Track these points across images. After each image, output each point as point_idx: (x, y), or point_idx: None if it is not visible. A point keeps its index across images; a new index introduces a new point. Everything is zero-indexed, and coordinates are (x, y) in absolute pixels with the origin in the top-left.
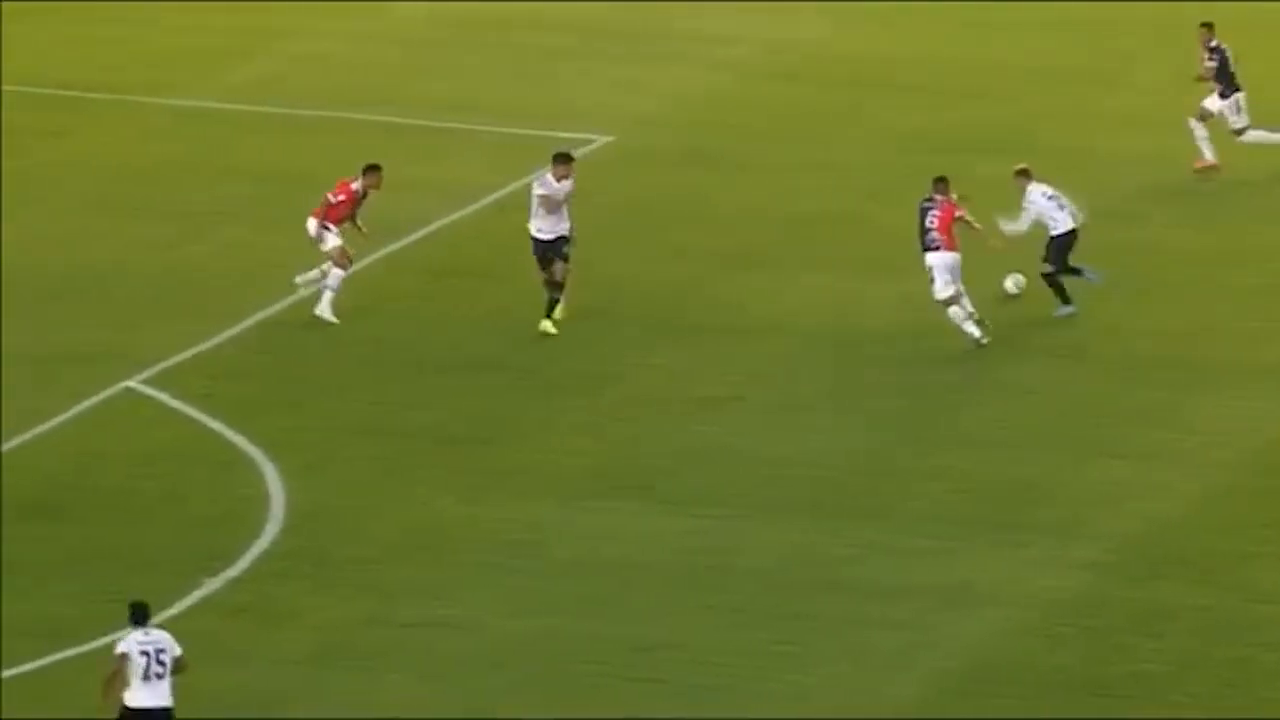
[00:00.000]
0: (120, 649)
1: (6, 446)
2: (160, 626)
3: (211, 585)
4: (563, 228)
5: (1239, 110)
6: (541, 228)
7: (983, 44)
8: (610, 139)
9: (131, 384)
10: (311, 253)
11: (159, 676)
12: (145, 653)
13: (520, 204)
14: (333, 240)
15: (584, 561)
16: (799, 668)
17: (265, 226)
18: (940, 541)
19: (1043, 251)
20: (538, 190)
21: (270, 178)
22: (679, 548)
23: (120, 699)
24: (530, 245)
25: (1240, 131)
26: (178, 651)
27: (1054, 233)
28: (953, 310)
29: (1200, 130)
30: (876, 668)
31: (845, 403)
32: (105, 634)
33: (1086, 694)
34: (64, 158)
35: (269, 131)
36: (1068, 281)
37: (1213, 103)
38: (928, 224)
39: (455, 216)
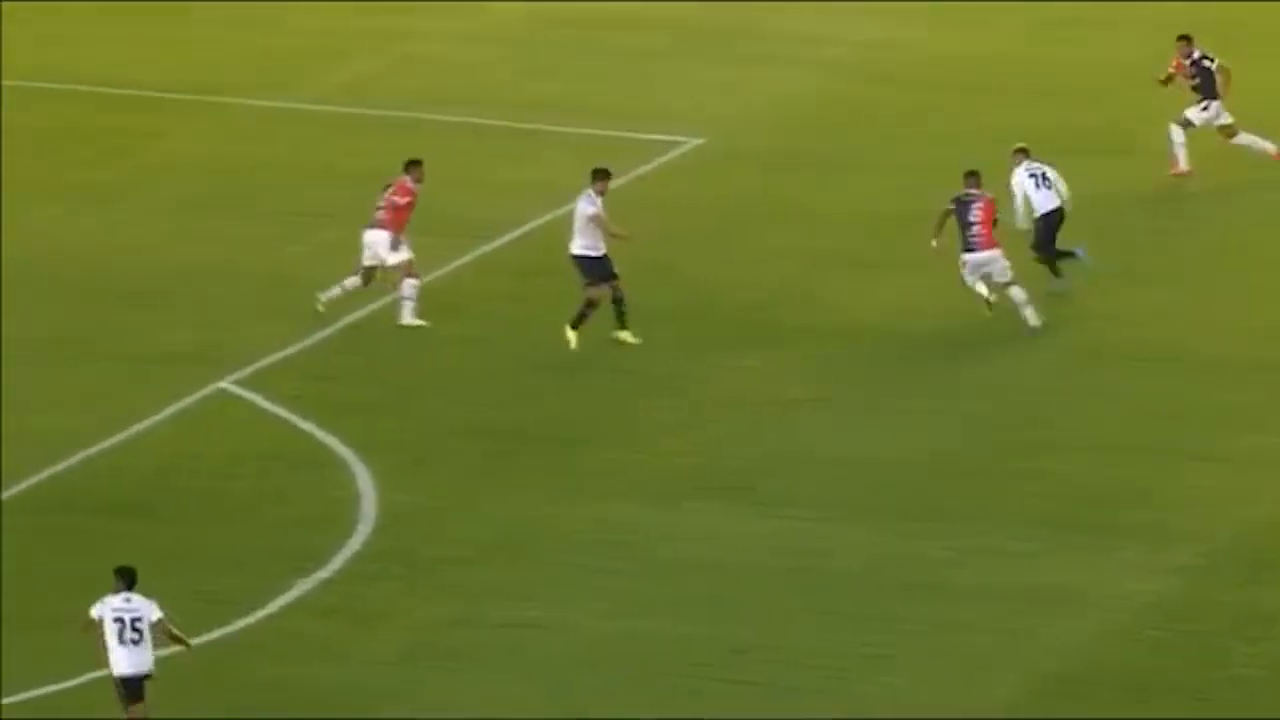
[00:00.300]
0: (92, 613)
1: (102, 446)
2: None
3: (304, 586)
4: (604, 244)
5: (1218, 114)
6: (591, 245)
7: (1080, 45)
8: (703, 140)
9: (225, 385)
10: (345, 267)
11: (134, 642)
12: (119, 619)
13: (610, 206)
14: (405, 252)
15: (675, 562)
16: (891, 669)
17: (361, 228)
18: (1032, 544)
19: (1031, 237)
20: (589, 210)
21: (366, 179)
22: (771, 549)
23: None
24: (586, 266)
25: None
26: (155, 617)
27: (1038, 213)
28: (972, 280)
29: (1179, 136)
30: (969, 670)
31: (937, 404)
32: (198, 634)
33: (1183, 698)
34: (162, 159)
35: (365, 133)
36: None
37: (1195, 114)
38: (971, 218)
39: (548, 218)
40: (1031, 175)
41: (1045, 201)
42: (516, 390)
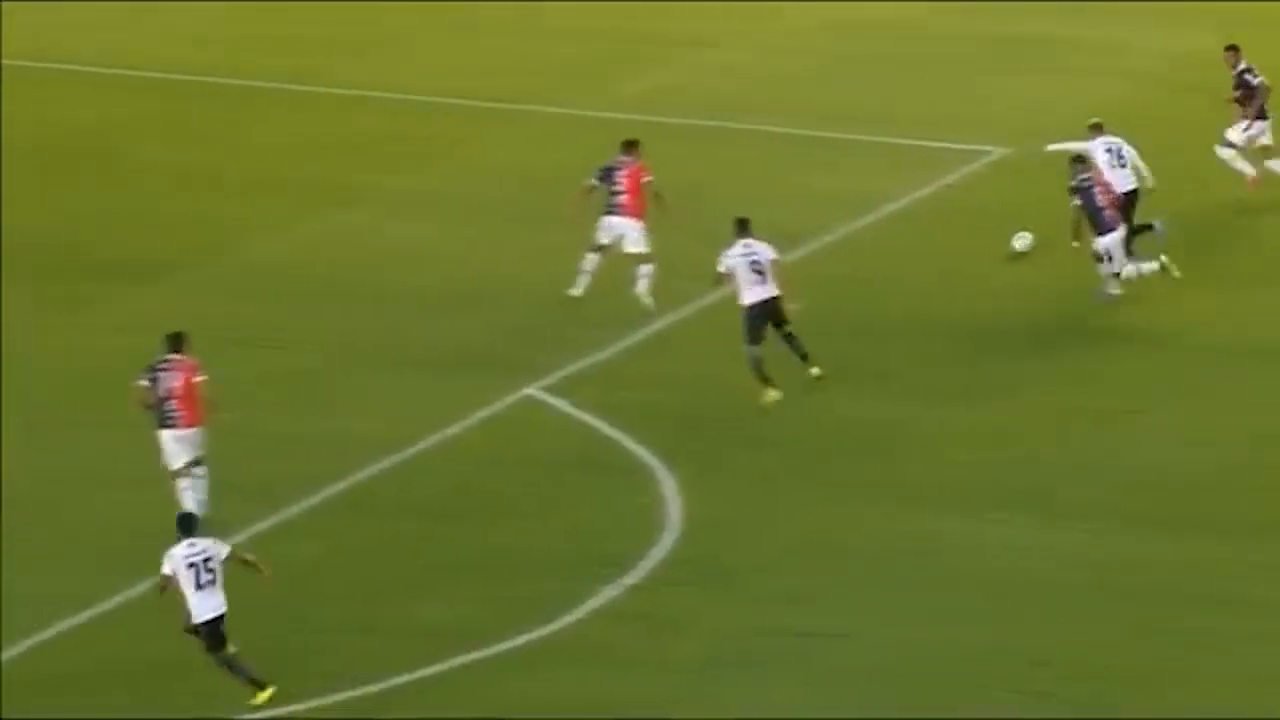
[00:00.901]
0: (165, 570)
1: (411, 451)
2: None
3: (609, 592)
4: None
5: (1262, 132)
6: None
7: None
8: (1007, 150)
9: (532, 391)
10: (573, 255)
11: (210, 584)
12: (193, 564)
13: (915, 214)
14: (646, 244)
15: (974, 573)
16: (1192, 683)
17: (663, 235)
18: None
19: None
20: (773, 253)
21: (666, 187)
22: (1072, 560)
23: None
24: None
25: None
26: (224, 552)
27: (1116, 191)
28: (1128, 270)
29: (1227, 152)
30: (1272, 684)
31: (1242, 419)
32: (506, 639)
33: None
34: (464, 167)
35: (665, 141)
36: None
37: (1235, 134)
38: (1099, 203)
39: (853, 226)
40: (1108, 150)
41: (1122, 181)
42: (824, 400)
